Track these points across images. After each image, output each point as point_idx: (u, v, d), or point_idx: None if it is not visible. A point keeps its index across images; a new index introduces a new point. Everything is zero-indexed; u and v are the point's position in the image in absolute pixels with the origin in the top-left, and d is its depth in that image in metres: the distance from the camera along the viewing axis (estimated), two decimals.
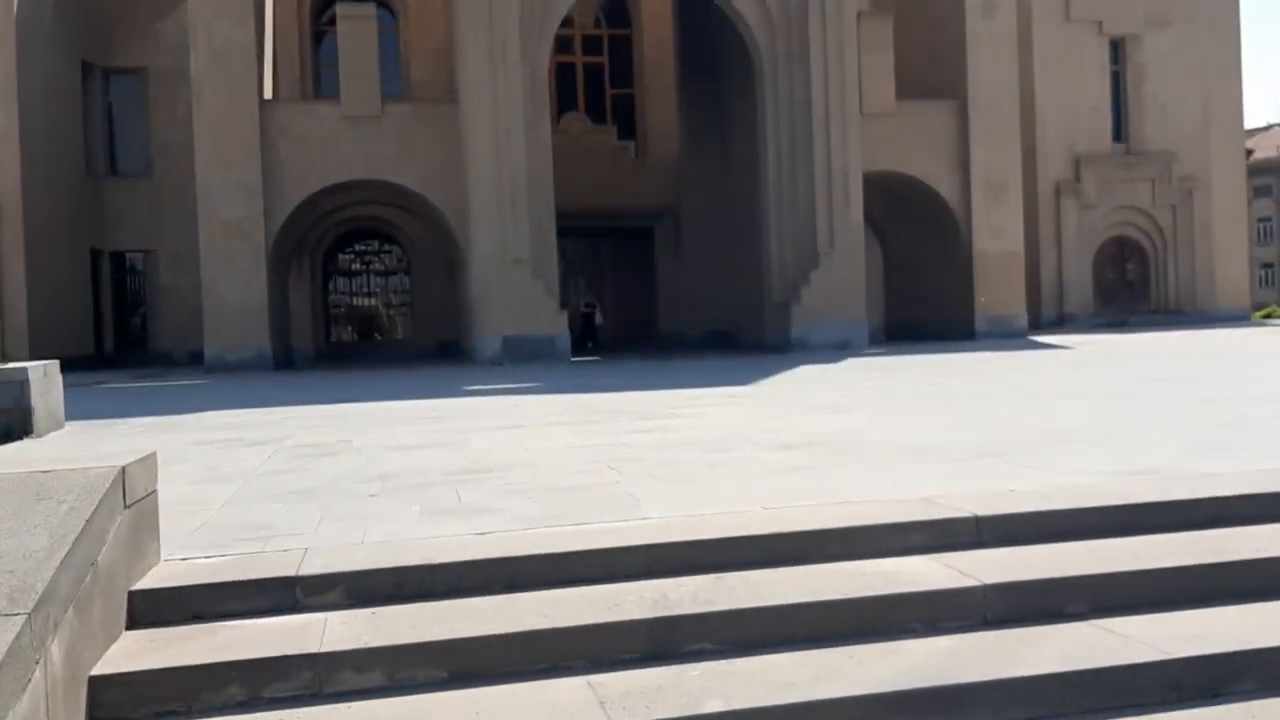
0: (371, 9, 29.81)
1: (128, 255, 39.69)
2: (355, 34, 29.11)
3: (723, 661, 4.22)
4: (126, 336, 39.56)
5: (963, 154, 31.76)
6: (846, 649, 4.28)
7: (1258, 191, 63.48)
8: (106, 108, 39.42)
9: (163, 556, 5.03)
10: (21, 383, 11.47)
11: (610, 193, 36.13)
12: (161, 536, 5.37)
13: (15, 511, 4.13)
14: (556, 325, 26.95)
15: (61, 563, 3.76)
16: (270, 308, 28.67)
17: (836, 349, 27.38)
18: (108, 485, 4.36)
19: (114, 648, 4.21)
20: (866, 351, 26.35)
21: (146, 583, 4.61)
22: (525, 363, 26.25)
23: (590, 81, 39.63)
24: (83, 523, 4.04)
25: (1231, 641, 4.32)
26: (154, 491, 5.01)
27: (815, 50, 28.16)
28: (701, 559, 4.90)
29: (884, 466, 7.08)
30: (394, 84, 37.08)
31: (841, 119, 28.12)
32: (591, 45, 39.90)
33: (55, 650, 3.60)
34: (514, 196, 26.84)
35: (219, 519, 6.21)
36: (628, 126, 39.15)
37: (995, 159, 31.52)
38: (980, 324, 31.45)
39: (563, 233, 29.03)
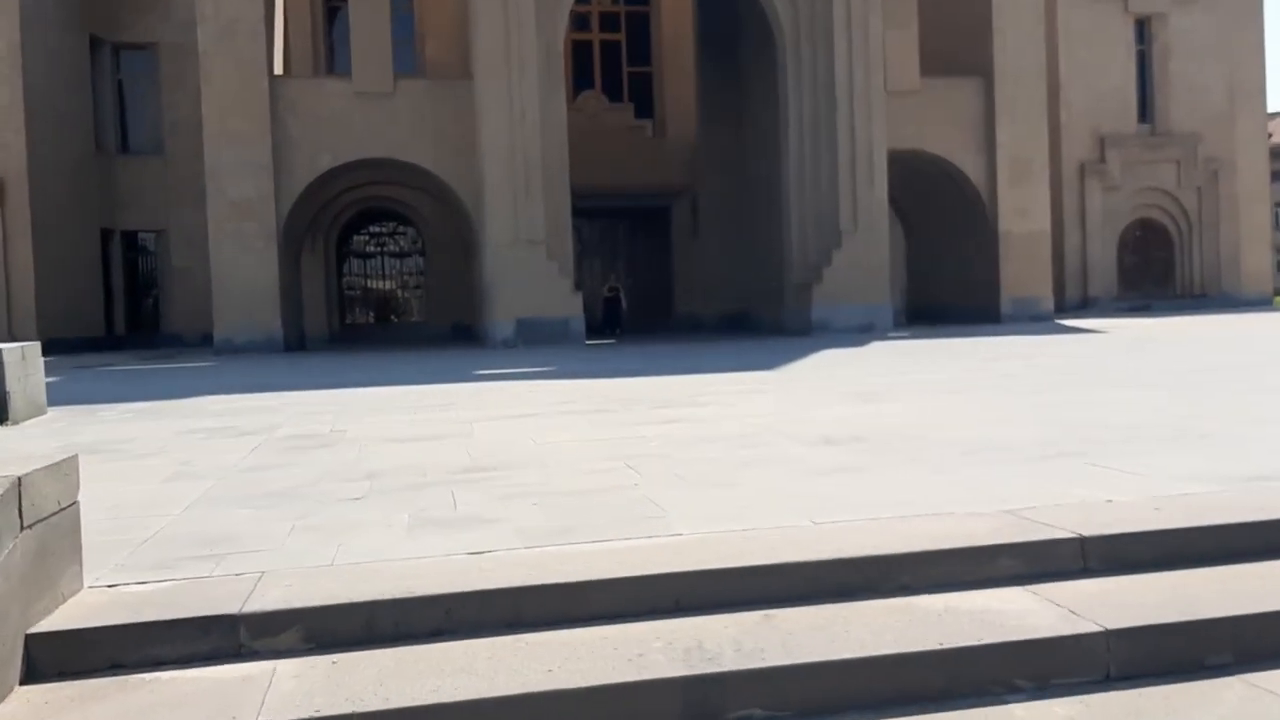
0: None
1: (139, 235, 38.83)
2: (367, 7, 28.08)
3: None
4: (138, 318, 38.73)
5: (988, 132, 30.60)
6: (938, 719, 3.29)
7: (1274, 176, 62.05)
8: (116, 84, 38.47)
9: (87, 582, 4.07)
10: None
11: (626, 172, 35.08)
12: (99, 552, 4.43)
13: None
14: (571, 307, 25.95)
15: None
16: (281, 289, 27.75)
17: (859, 332, 26.34)
18: None
19: None
20: (891, 334, 25.29)
21: (54, 622, 3.64)
22: (539, 346, 25.30)
23: (607, 59, 38.55)
24: None
25: None
26: (73, 504, 4.02)
27: (839, 24, 27.00)
28: (744, 591, 3.91)
29: (944, 467, 6.07)
30: (409, 62, 36.09)
31: (866, 94, 26.98)
32: (609, 22, 38.79)
33: None
34: (528, 176, 25.82)
35: (175, 529, 5.25)
36: (645, 105, 38.05)
37: (1022, 137, 30.34)
38: (1005, 306, 30.35)
39: (578, 213, 28.04)
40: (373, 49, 28.15)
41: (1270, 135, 50.37)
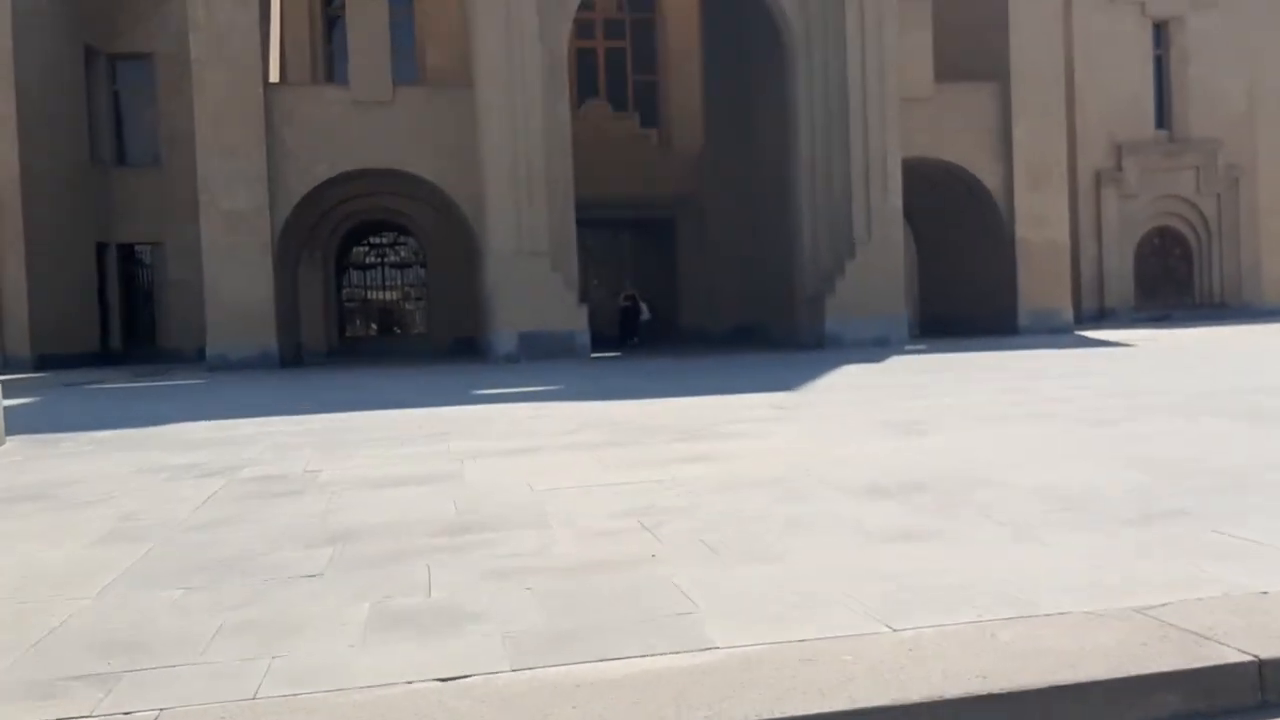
0: None
1: (136, 248, 37.84)
2: (365, 13, 27.04)
3: None
4: (135, 333, 37.69)
5: (1005, 139, 29.47)
6: None
7: None
8: (112, 95, 37.50)
9: None
10: None
11: (632, 182, 34.02)
12: None
13: None
14: (576, 321, 24.84)
15: None
16: (276, 303, 26.67)
17: (874, 345, 25.21)
18: None
19: None
20: (908, 348, 24.15)
21: None
22: (543, 360, 24.21)
23: (612, 67, 37.53)
24: None
25: None
26: None
27: (852, 28, 25.90)
28: None
29: (1029, 531, 4.94)
30: (410, 70, 35.07)
31: (880, 100, 25.86)
32: (614, 29, 37.78)
33: None
34: (531, 185, 24.74)
35: (80, 622, 4.13)
36: (651, 113, 37.02)
37: (1039, 144, 29.22)
38: (1023, 318, 29.20)
39: (582, 223, 26.94)
40: (371, 57, 27.11)
41: None
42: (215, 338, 26.24)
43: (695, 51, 35.57)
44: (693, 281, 34.75)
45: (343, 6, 28.78)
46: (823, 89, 26.47)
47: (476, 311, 30.59)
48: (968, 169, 29.38)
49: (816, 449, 7.88)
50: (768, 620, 3.73)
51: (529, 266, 24.47)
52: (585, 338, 24.86)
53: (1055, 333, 28.54)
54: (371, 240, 38.33)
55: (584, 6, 29.25)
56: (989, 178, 29.42)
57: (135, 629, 4.01)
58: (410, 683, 3.24)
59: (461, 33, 30.65)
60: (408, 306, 39.24)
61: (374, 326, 39.12)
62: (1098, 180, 36.68)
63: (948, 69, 29.51)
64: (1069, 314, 29.64)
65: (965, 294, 31.70)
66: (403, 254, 38.45)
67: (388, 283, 38.79)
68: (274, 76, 30.47)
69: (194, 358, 32.37)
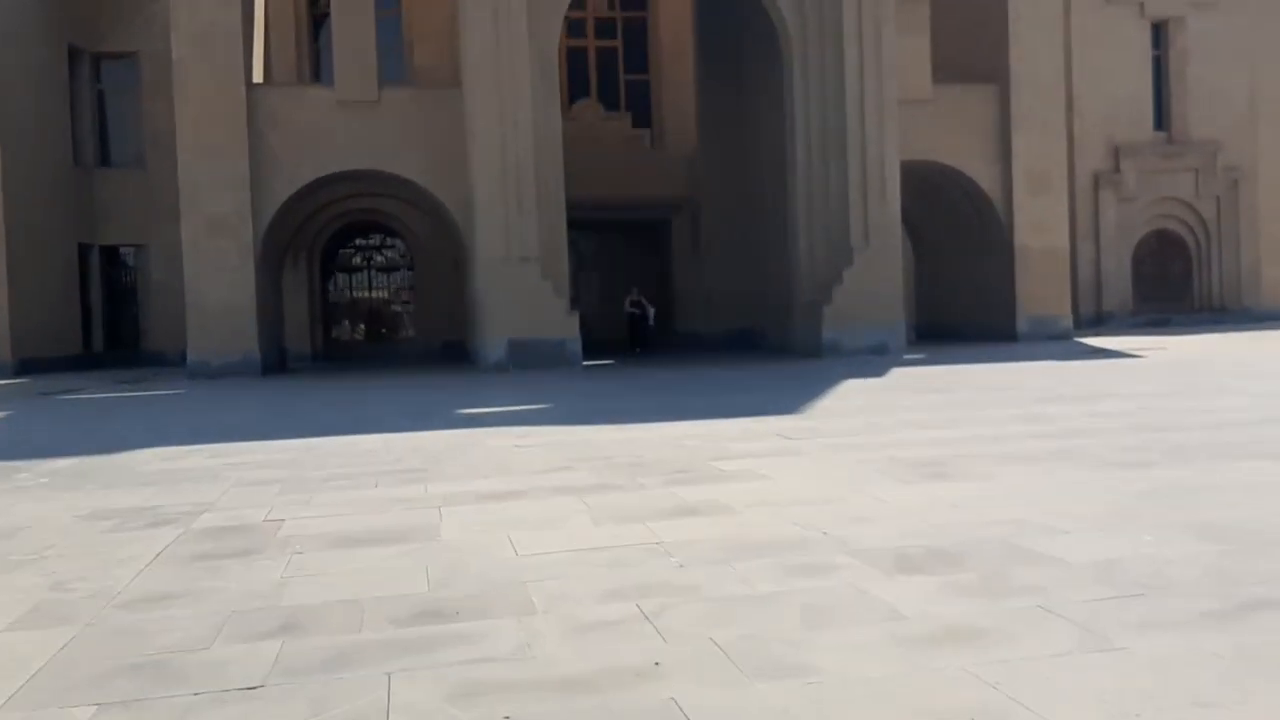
0: None
1: (121, 250, 37.00)
2: (350, 12, 26.21)
3: None
4: (118, 335, 36.87)
5: (1003, 142, 28.78)
6: None
7: None
8: (97, 95, 36.65)
9: None
10: None
11: (624, 184, 33.24)
12: None
13: None
14: (567, 328, 24.06)
15: None
16: (259, 308, 25.87)
17: (872, 354, 24.49)
18: None
19: None
20: (907, 357, 23.41)
21: None
22: (533, 368, 23.46)
23: (604, 67, 36.73)
24: None
25: None
26: None
27: (849, 30, 25.13)
28: None
29: (1098, 632, 4.15)
30: (398, 70, 34.27)
31: (878, 104, 25.10)
32: (605, 28, 36.99)
33: None
34: (520, 189, 23.93)
35: None
36: (643, 114, 36.23)
37: (1038, 148, 28.51)
38: (1022, 325, 28.52)
39: (573, 226, 26.16)
40: (357, 56, 26.29)
41: None
42: (196, 344, 25.45)
43: (688, 51, 34.79)
44: (686, 285, 33.99)
45: (329, 5, 27.92)
46: (819, 91, 25.70)
47: (465, 315, 29.83)
48: (966, 173, 28.68)
49: (828, 496, 7.09)
50: None
51: (518, 273, 23.68)
52: (576, 345, 24.08)
53: (1054, 340, 27.86)
54: (357, 242, 37.48)
55: (575, 5, 28.49)
56: (987, 182, 28.71)
57: None
58: None
59: (450, 30, 29.87)
60: (396, 309, 38.40)
61: (361, 330, 38.28)
62: (1095, 182, 36.02)
63: (946, 71, 28.80)
64: (1068, 321, 28.95)
65: (962, 299, 30.99)
66: (390, 256, 37.61)
67: (375, 285, 37.94)
68: (258, 77, 29.65)
69: (177, 361, 31.59)
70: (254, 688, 3.96)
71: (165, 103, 32.69)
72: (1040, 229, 28.64)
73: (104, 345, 35.83)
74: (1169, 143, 36.66)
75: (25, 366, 31.01)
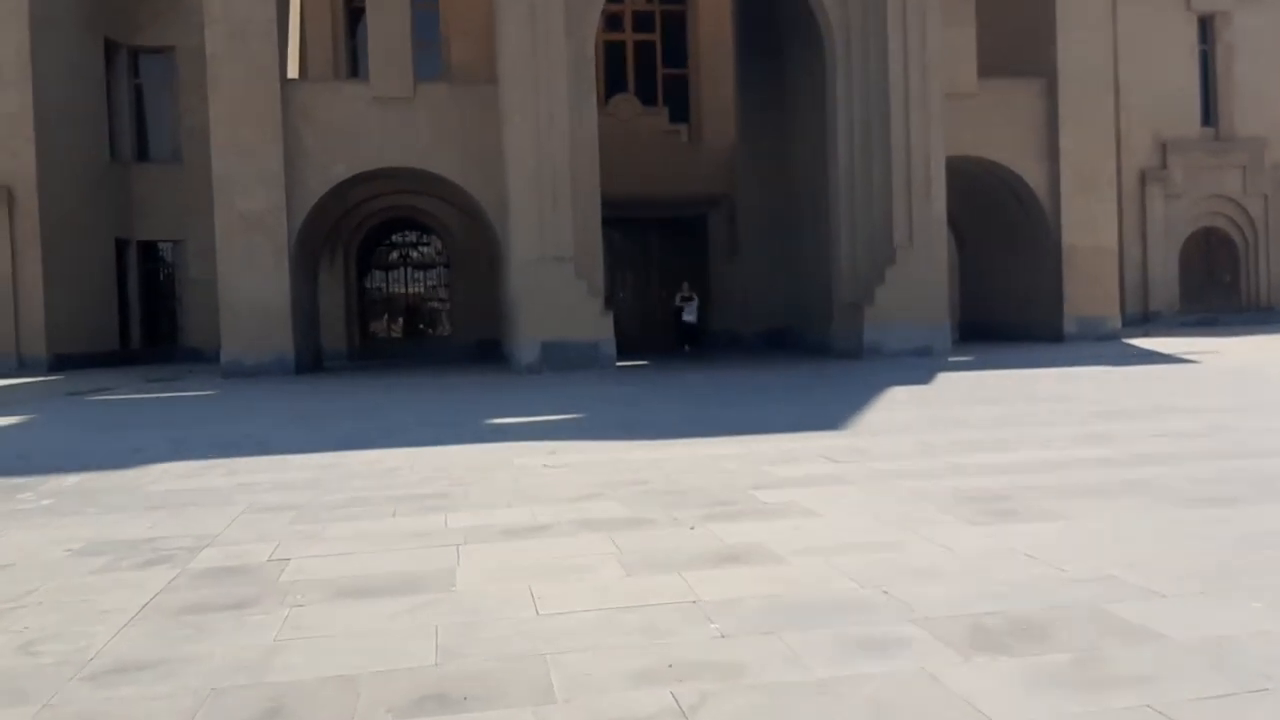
0: None
1: (159, 245, 36.75)
2: (386, 6, 25.61)
3: None
4: (155, 331, 36.63)
5: (1051, 139, 27.79)
6: None
7: None
8: (134, 89, 36.38)
9: None
10: None
11: (660, 180, 32.53)
12: None
13: None
14: (601, 329, 23.37)
15: None
16: (293, 307, 25.37)
17: (915, 355, 23.65)
18: None
19: None
20: (953, 360, 22.54)
21: None
22: (566, 370, 22.83)
23: (641, 60, 36.00)
24: None
25: None
26: None
27: (893, 22, 24.23)
28: None
29: None
30: (434, 65, 33.71)
31: (923, 99, 24.19)
32: (643, 21, 36.21)
33: None
34: (555, 186, 23.24)
35: None
36: (681, 109, 35.46)
37: (1087, 145, 27.50)
38: (1069, 326, 27.55)
39: (608, 223, 25.46)
40: (392, 52, 25.71)
41: None
42: (230, 343, 25.00)
43: (727, 45, 33.97)
44: (723, 284, 33.20)
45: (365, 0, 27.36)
46: (862, 86, 24.82)
47: (500, 313, 29.25)
48: (1013, 170, 27.72)
49: (884, 541, 6.34)
50: None
51: (552, 273, 23.01)
52: (610, 347, 23.40)
53: (1103, 341, 26.86)
54: (393, 239, 36.96)
55: None
56: (1034, 179, 27.73)
57: None
58: None
59: (487, 26, 29.26)
60: (432, 306, 37.87)
61: (399, 326, 37.79)
62: (1142, 179, 34.92)
63: (992, 64, 27.82)
64: (1116, 322, 27.94)
65: (1007, 299, 30.02)
66: (426, 253, 37.06)
67: (411, 282, 37.41)
68: (294, 72, 29.16)
69: (214, 357, 31.33)
70: None
71: (202, 97, 32.36)
72: (1088, 227, 27.63)
73: (141, 341, 35.59)
74: (1216, 139, 35.47)
75: (60, 362, 30.77)
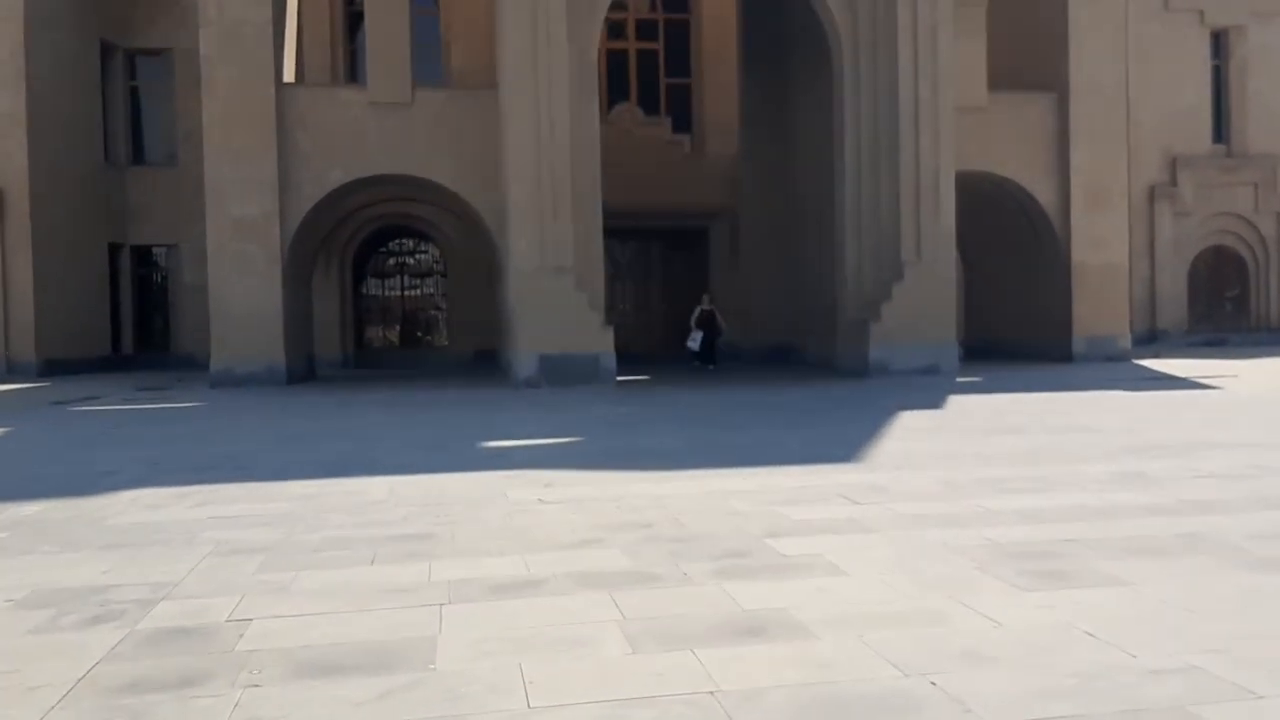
0: None
1: (153, 250, 36.00)
2: (385, 10, 24.90)
3: None
4: (149, 337, 35.85)
5: (1061, 154, 27.08)
6: None
7: None
8: (129, 91, 35.64)
9: None
10: None
11: (662, 191, 31.81)
12: None
13: None
14: (602, 343, 22.62)
15: None
16: (286, 315, 24.62)
17: (922, 375, 22.92)
18: None
19: None
20: (961, 380, 21.80)
21: None
22: (565, 385, 22.07)
23: (644, 69, 35.27)
24: None
25: None
26: None
27: (904, 34, 23.53)
28: None
29: None
30: (434, 70, 32.96)
31: (933, 112, 23.48)
32: (647, 30, 35.51)
33: None
34: (556, 196, 22.50)
35: None
36: (684, 119, 34.74)
37: (1099, 161, 26.80)
38: (1078, 345, 26.83)
39: (609, 233, 24.71)
40: (391, 56, 25.00)
41: None
42: (220, 351, 24.25)
43: (732, 55, 33.26)
44: (725, 297, 32.44)
45: (364, 3, 26.63)
46: (870, 97, 24.11)
47: (498, 323, 28.51)
48: (1021, 185, 26.99)
49: (923, 609, 5.57)
50: None
51: (552, 284, 22.26)
52: (611, 361, 22.65)
53: (1112, 361, 26.13)
54: (390, 246, 36.20)
55: (616, 6, 27.06)
56: (1043, 195, 27.02)
57: None
58: None
59: (488, 30, 28.53)
60: (426, 316, 37.10)
61: (395, 334, 37.02)
62: (1151, 195, 34.23)
63: (1002, 78, 27.12)
64: (1126, 341, 27.20)
65: (1014, 317, 29.29)
66: (423, 261, 36.32)
67: (408, 291, 36.66)
68: (290, 76, 28.42)
69: (207, 363, 30.64)
70: None
71: (199, 101, 31.60)
72: (1098, 245, 26.91)
73: (133, 347, 34.84)
74: (1228, 156, 34.77)
75: (50, 368, 30.00)
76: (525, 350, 22.57)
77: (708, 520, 7.96)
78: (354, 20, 33.66)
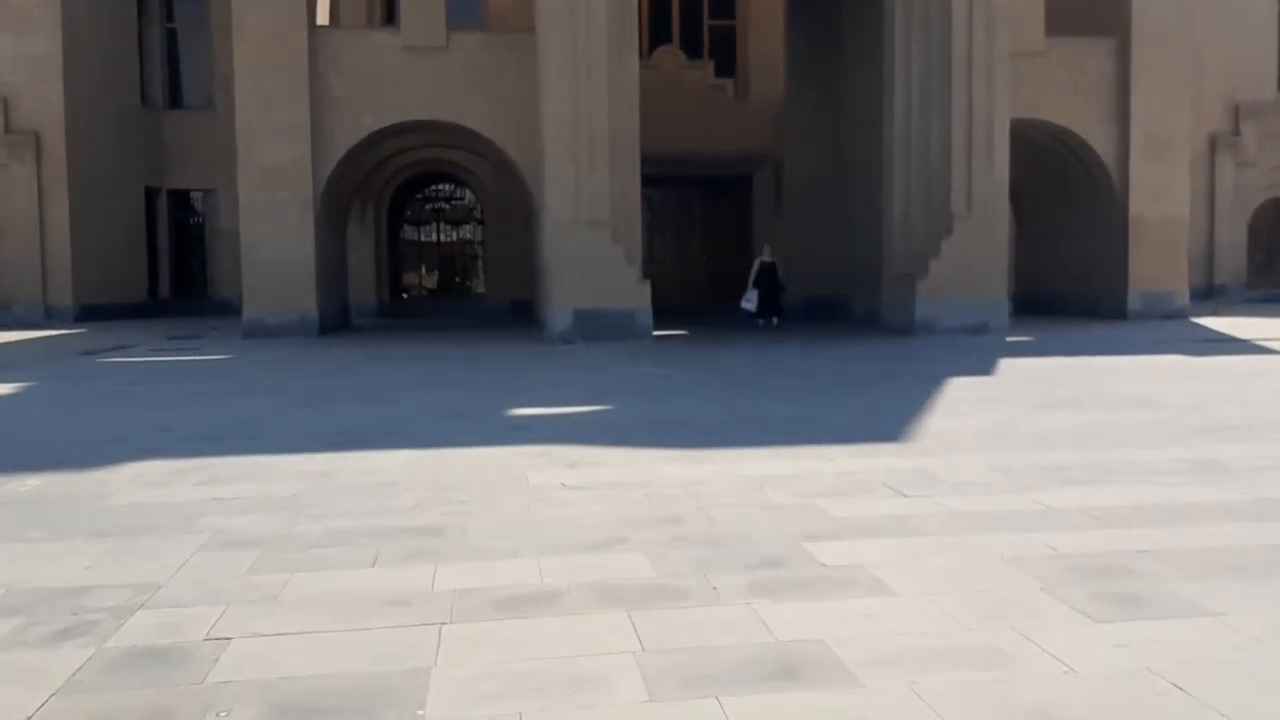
0: None
1: (191, 194, 35.62)
2: None
3: None
4: (186, 282, 35.58)
5: (1121, 102, 25.81)
6: None
7: None
8: (167, 35, 35.05)
9: None
10: None
11: (704, 137, 30.83)
12: None
13: None
14: (638, 298, 21.92)
15: None
16: (318, 264, 24.11)
17: (970, 332, 22.05)
18: None
19: None
20: (1011, 340, 20.90)
21: None
22: (600, 340, 21.44)
23: (686, 10, 34.13)
24: None
25: None
26: None
27: None
28: None
29: None
30: (473, 14, 32.06)
31: (987, 57, 22.33)
32: None
33: None
34: (593, 145, 21.68)
35: None
36: (727, 62, 33.62)
37: (1160, 109, 25.52)
38: (1133, 302, 25.76)
39: (647, 180, 23.84)
40: None
41: None
42: (252, 301, 23.81)
43: None
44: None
45: None
46: (922, 41, 22.98)
47: (534, 274, 27.85)
48: (1078, 134, 25.79)
49: (983, 648, 4.87)
50: None
51: (588, 238, 21.53)
52: (647, 317, 21.95)
53: (1169, 319, 25.05)
54: (426, 193, 35.55)
55: None
56: (1101, 145, 25.82)
57: None
58: None
59: None
60: (462, 265, 36.52)
61: (432, 281, 36.50)
62: (1212, 145, 32.80)
63: (1059, 20, 25.80)
64: (1184, 298, 26.09)
65: (1067, 272, 28.20)
66: (460, 207, 35.65)
67: (444, 238, 36.05)
68: (324, 19, 27.67)
69: (242, 310, 30.42)
70: None
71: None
72: (1158, 197, 25.70)
73: (171, 292, 34.61)
74: None
75: (87, 313, 29.79)
76: (560, 304, 21.91)
77: (741, 516, 7.28)
78: None
